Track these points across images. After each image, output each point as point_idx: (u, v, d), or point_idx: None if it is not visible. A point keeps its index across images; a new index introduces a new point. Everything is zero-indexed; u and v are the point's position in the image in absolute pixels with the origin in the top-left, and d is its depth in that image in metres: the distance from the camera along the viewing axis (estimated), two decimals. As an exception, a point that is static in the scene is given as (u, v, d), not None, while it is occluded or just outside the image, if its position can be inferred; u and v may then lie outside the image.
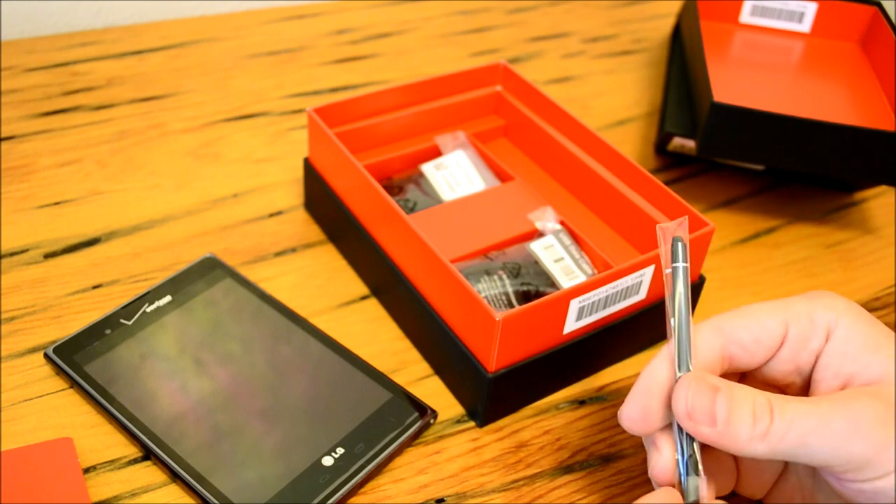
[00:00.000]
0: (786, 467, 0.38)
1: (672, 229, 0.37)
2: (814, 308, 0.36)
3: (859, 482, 0.33)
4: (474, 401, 0.44)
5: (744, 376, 0.38)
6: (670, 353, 0.35)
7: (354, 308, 0.50)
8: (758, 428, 0.32)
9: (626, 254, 0.50)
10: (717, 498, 0.37)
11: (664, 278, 0.36)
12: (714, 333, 0.36)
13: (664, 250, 0.37)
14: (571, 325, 0.43)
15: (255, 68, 0.68)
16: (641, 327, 0.47)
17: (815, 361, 0.36)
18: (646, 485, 0.42)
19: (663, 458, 0.35)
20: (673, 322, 0.35)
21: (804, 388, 0.37)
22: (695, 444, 0.34)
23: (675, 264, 0.36)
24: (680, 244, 0.36)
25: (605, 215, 0.52)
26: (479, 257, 0.48)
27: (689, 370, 0.35)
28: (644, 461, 0.38)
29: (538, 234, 0.49)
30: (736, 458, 0.38)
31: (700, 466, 0.34)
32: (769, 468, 0.38)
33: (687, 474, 0.34)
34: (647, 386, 0.35)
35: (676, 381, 0.34)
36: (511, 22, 0.77)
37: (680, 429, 0.34)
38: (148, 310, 0.46)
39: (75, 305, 0.48)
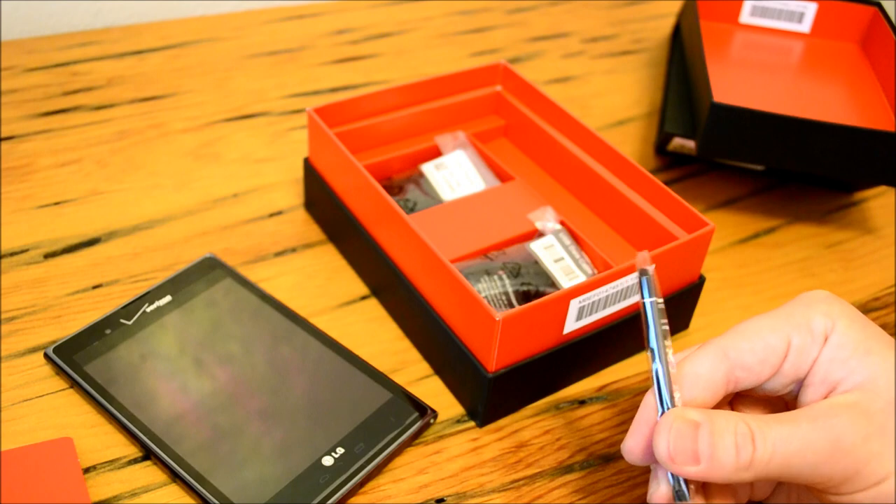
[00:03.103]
0: None
1: (641, 261, 0.36)
2: (812, 316, 0.35)
3: (840, 495, 0.33)
4: (474, 401, 0.44)
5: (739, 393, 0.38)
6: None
7: (354, 308, 0.50)
8: (742, 458, 0.32)
9: (626, 254, 0.50)
10: None
11: (641, 311, 0.36)
12: (719, 360, 0.35)
13: (638, 279, 0.36)
14: (571, 325, 0.43)
15: (255, 68, 0.68)
16: (641, 327, 0.47)
17: (811, 368, 0.35)
18: (646, 485, 0.42)
19: (661, 489, 0.35)
20: (651, 363, 0.35)
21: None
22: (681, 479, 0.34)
23: (643, 300, 0.36)
24: (645, 278, 0.36)
25: (605, 215, 0.52)
26: (479, 257, 0.48)
27: (672, 406, 0.34)
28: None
29: (538, 234, 0.49)
30: None
31: (688, 497, 0.34)
32: None
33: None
34: (645, 418, 0.35)
35: (658, 420, 0.34)
36: (511, 22, 0.77)
37: None
38: (148, 310, 0.46)
39: (75, 305, 0.48)
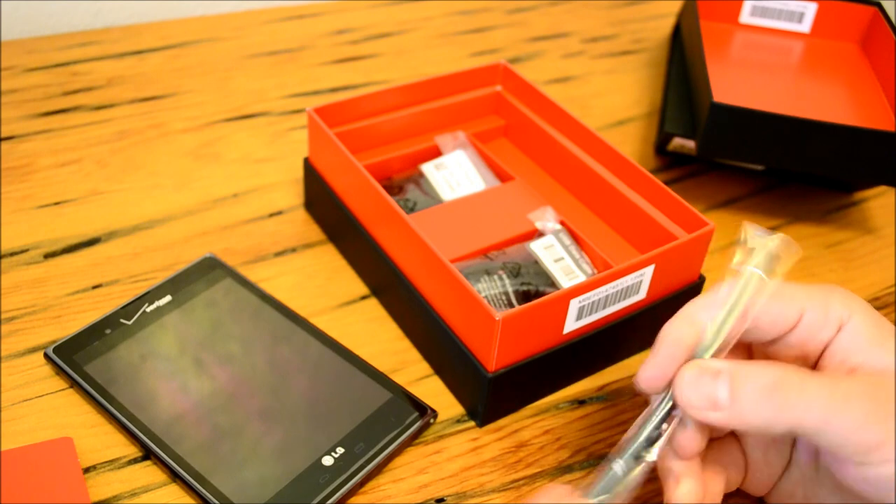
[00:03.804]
0: (790, 463, 0.38)
1: (764, 238, 0.36)
2: (830, 301, 0.36)
3: (864, 466, 0.33)
4: (474, 401, 0.44)
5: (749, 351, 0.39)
6: (692, 318, 0.35)
7: (354, 308, 0.50)
8: (773, 405, 0.32)
9: (626, 254, 0.50)
10: (726, 493, 0.38)
11: (729, 271, 0.36)
12: None
13: (744, 246, 0.36)
14: (571, 324, 0.43)
15: (255, 68, 0.68)
16: (641, 327, 0.47)
17: (822, 351, 0.36)
18: (646, 484, 0.42)
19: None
20: (720, 315, 0.35)
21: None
22: (665, 425, 0.34)
23: (752, 269, 0.35)
24: (765, 253, 0.35)
25: (605, 215, 0.52)
26: (479, 257, 0.48)
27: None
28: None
29: (538, 234, 0.49)
30: (745, 454, 0.38)
31: (658, 445, 0.34)
32: (776, 463, 0.38)
33: (643, 448, 0.34)
34: (670, 353, 0.35)
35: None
36: (511, 22, 0.77)
37: (662, 405, 0.35)
38: (148, 310, 0.46)
39: (75, 305, 0.48)
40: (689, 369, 0.34)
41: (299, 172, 0.58)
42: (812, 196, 0.61)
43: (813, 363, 0.37)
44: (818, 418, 0.32)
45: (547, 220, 0.49)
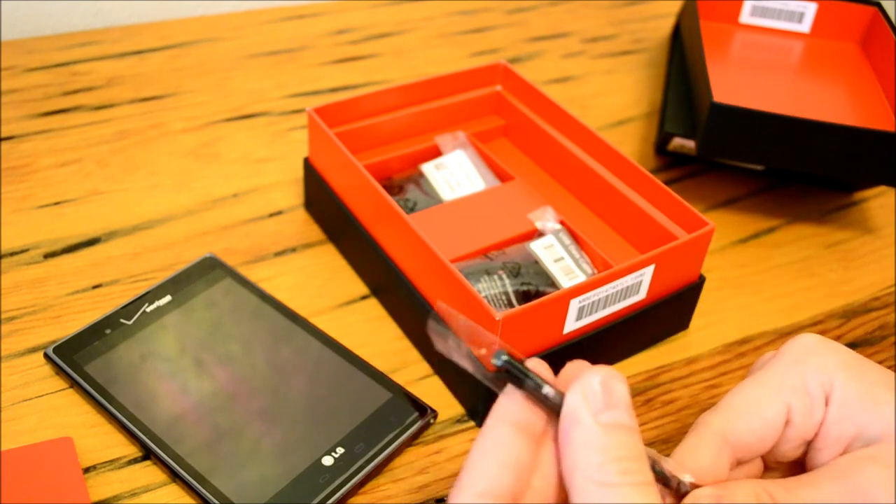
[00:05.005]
0: None
1: None
2: (806, 375, 0.34)
3: None
4: (474, 400, 0.44)
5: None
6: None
7: (354, 308, 0.50)
8: None
9: (626, 254, 0.50)
10: None
11: None
12: (720, 449, 0.34)
13: None
14: (571, 324, 0.43)
15: (255, 68, 0.68)
16: (641, 327, 0.47)
17: (819, 431, 0.34)
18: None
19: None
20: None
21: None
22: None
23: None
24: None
25: (605, 215, 0.52)
26: (479, 257, 0.48)
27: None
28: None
29: (538, 234, 0.49)
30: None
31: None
32: None
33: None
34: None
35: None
36: (511, 22, 0.77)
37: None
38: (148, 310, 0.46)
39: (75, 305, 0.48)
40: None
41: (299, 172, 0.58)
42: (812, 196, 0.61)
43: (809, 442, 0.35)
44: None
45: (547, 220, 0.49)
